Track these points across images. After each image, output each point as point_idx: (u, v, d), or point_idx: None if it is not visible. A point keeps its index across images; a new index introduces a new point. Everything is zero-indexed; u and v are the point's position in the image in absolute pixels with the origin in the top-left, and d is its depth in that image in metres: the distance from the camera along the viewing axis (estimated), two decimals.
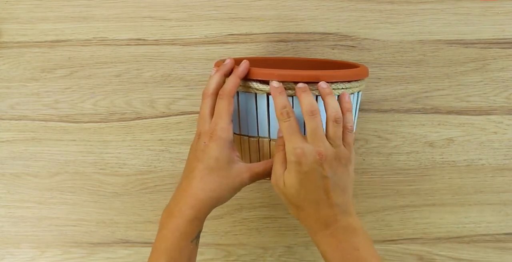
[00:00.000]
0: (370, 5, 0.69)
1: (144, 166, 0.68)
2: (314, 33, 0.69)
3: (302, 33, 0.68)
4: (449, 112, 0.68)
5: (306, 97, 0.47)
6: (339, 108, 0.48)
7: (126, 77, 0.69)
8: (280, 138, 0.49)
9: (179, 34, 0.69)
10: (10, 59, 0.69)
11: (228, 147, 0.49)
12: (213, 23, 0.69)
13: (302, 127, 0.49)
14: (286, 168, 0.48)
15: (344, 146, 0.48)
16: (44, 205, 0.68)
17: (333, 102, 0.48)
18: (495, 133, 0.68)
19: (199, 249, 0.66)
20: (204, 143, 0.49)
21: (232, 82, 0.50)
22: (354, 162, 0.50)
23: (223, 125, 0.49)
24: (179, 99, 0.68)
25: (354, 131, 0.50)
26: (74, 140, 0.68)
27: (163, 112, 0.68)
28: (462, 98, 0.68)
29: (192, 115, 0.68)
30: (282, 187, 0.48)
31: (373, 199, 0.67)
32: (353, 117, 0.50)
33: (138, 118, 0.68)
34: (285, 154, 0.48)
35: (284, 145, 0.48)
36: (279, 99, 0.48)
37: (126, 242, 0.67)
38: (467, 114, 0.68)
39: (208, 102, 0.51)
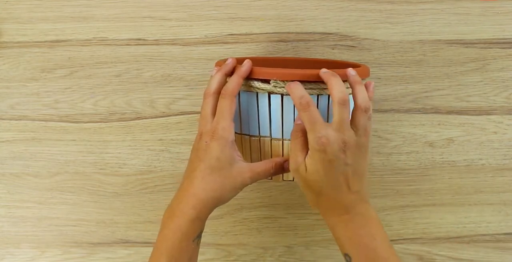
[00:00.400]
0: (370, 5, 0.69)
1: (144, 166, 0.68)
2: (314, 33, 0.69)
3: (302, 33, 0.68)
4: (449, 112, 0.68)
5: (337, 84, 0.47)
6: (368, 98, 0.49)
7: (126, 77, 0.69)
8: (298, 124, 0.49)
9: (179, 34, 0.69)
10: (10, 59, 0.69)
11: (230, 147, 0.49)
12: (213, 23, 0.69)
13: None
14: (306, 154, 0.48)
15: (364, 132, 0.49)
16: (44, 205, 0.68)
17: (363, 91, 0.48)
18: (495, 132, 0.68)
19: (199, 249, 0.67)
20: (206, 142, 0.49)
21: (235, 82, 0.50)
22: (369, 149, 0.50)
23: (225, 125, 0.49)
24: (179, 99, 0.68)
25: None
26: (74, 140, 0.68)
27: (163, 112, 0.68)
28: (462, 98, 0.68)
29: (192, 115, 0.68)
30: (304, 173, 0.48)
31: (373, 199, 0.67)
32: (365, 91, 0.50)
33: (138, 118, 0.68)
34: (303, 140, 0.48)
35: (301, 132, 0.48)
36: (295, 90, 0.47)
37: (126, 242, 0.67)
38: (467, 114, 0.68)
39: (210, 101, 0.51)
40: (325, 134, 0.46)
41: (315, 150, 0.46)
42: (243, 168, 0.50)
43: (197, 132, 0.53)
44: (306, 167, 0.47)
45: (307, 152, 0.48)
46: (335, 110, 0.47)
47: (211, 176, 0.49)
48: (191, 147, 0.67)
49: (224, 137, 0.49)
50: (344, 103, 0.46)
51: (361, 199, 0.48)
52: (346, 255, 0.47)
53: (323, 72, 0.48)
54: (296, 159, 0.48)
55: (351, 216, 0.47)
